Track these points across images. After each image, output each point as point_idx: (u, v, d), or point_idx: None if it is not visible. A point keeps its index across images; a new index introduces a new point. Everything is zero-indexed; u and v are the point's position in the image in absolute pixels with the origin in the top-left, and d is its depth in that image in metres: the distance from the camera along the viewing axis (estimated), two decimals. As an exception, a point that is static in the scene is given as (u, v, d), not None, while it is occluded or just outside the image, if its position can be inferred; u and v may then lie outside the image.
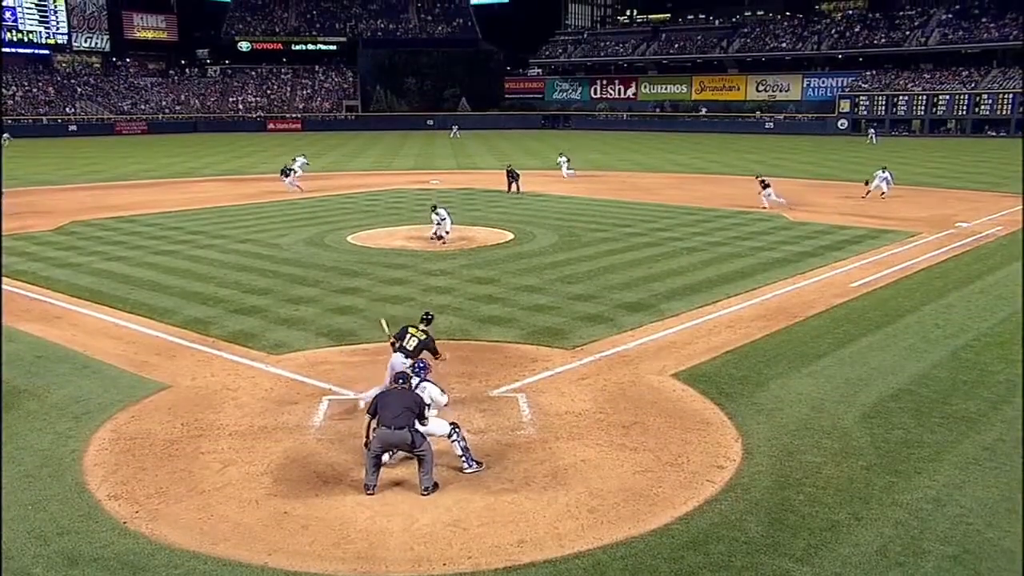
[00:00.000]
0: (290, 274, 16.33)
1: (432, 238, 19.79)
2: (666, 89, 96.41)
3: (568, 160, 39.35)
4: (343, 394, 9.63)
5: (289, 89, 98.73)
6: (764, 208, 25.75)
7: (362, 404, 8.42)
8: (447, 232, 19.61)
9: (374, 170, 44.04)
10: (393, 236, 21.12)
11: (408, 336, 8.70)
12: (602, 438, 8.38)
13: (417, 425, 7.13)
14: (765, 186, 26.72)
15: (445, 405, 8.08)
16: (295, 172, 31.47)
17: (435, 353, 8.71)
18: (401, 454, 7.36)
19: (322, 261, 17.75)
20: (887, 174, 28.38)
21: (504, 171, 32.18)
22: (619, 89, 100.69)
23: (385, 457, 7.23)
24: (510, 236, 21.07)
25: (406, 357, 8.45)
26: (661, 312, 13.48)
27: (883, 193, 27.82)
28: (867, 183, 29.05)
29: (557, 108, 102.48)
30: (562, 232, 21.78)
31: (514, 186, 31.43)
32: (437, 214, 19.73)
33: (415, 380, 7.88)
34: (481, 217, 24.23)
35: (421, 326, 8.93)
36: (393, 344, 8.75)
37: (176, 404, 9.33)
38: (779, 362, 10.79)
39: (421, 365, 8.20)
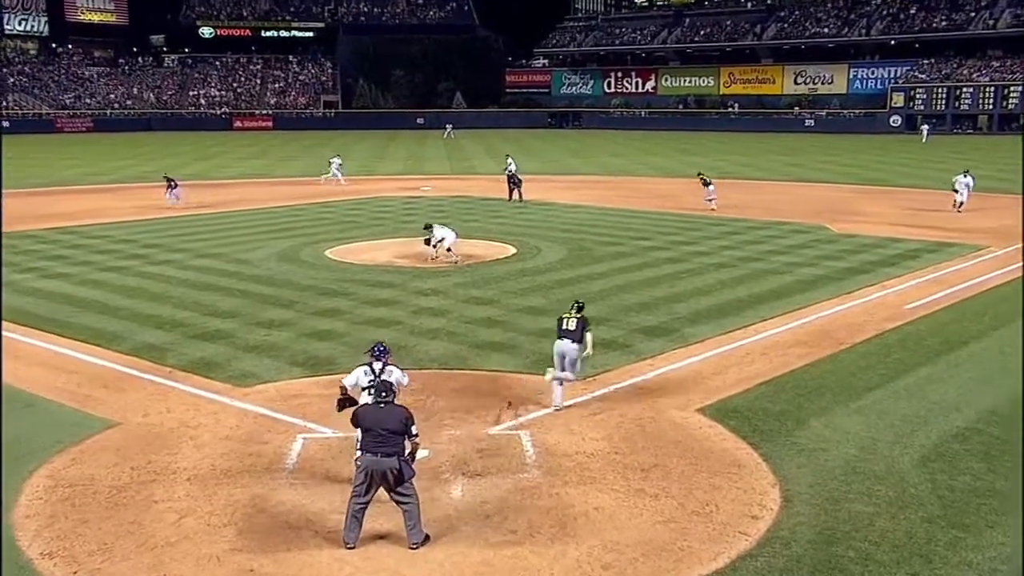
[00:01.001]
0: (260, 294, 16.46)
1: (434, 257, 19.55)
2: (690, 82, 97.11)
3: (515, 166, 41.33)
4: (320, 432, 9.59)
5: (259, 82, 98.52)
6: (713, 211, 27.92)
7: (346, 383, 8.38)
8: (449, 251, 19.68)
9: (356, 175, 44.51)
10: (378, 250, 21.31)
11: (564, 320, 10.47)
12: (618, 483, 8.25)
13: (406, 445, 7.08)
14: (705, 184, 28.73)
15: (407, 385, 8.60)
16: (336, 176, 36.02)
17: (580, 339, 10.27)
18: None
19: (297, 279, 17.89)
20: (969, 179, 26.91)
21: (504, 176, 32.49)
22: (636, 82, 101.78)
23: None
24: (512, 250, 21.24)
25: (573, 341, 10.28)
26: (685, 337, 13.54)
27: (961, 203, 26.30)
28: (954, 190, 27.09)
29: (565, 104, 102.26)
30: (571, 246, 21.94)
31: (516, 193, 31.79)
32: (433, 234, 19.58)
33: (378, 364, 8.25)
34: (479, 229, 24.42)
35: (573, 311, 10.67)
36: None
37: (125, 445, 9.16)
38: (822, 395, 10.78)
39: (382, 348, 8.44)
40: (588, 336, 10.40)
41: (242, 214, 28.59)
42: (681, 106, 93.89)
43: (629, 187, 37.39)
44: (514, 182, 31.85)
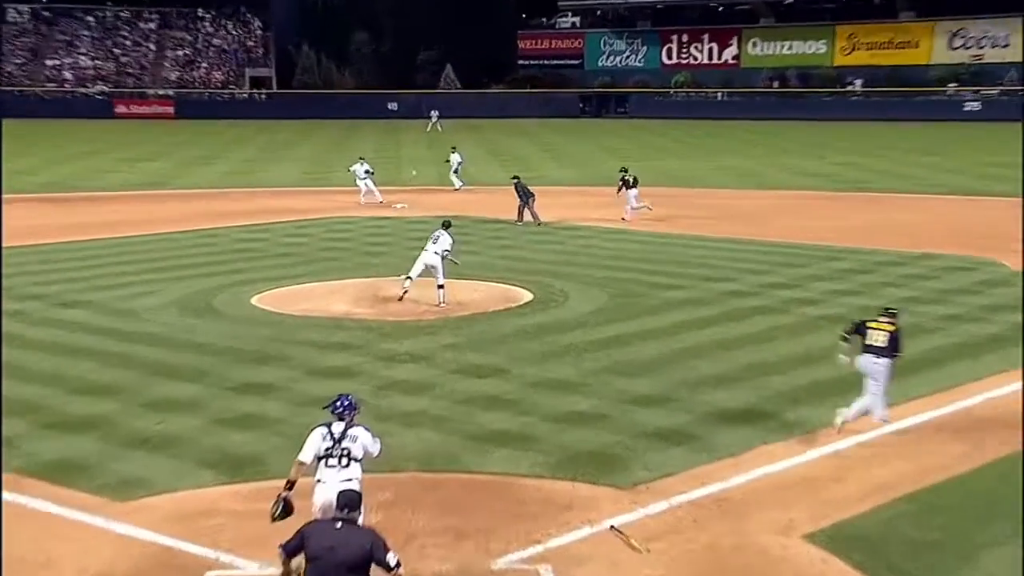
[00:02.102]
0: (151, 361, 16.67)
1: (400, 298, 20.40)
2: (790, 48, 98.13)
3: (460, 161, 42.71)
4: (241, 568, 9.68)
5: (153, 48, 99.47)
6: (624, 220, 32.12)
7: (304, 457, 9.09)
8: (440, 288, 20.30)
9: (299, 186, 44.96)
10: (330, 296, 21.58)
11: (869, 332, 13.33)
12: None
13: None
14: (628, 185, 32.38)
15: (378, 455, 9.32)
16: (366, 184, 37.66)
17: (895, 351, 13.40)
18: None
19: (208, 338, 18.13)
20: None
21: (512, 187, 32.99)
22: (710, 50, 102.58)
23: None
24: (526, 296, 21.50)
25: (879, 356, 13.24)
26: (784, 426, 13.61)
27: None
28: None
29: (605, 83, 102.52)
30: (613, 289, 22.25)
31: (527, 212, 32.46)
32: (441, 245, 20.57)
33: (340, 425, 8.97)
34: (479, 264, 24.69)
35: (883, 319, 13.46)
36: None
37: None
38: (997, 518, 10.77)
39: (347, 403, 9.19)
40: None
41: (126, 243, 28.97)
42: (776, 84, 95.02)
43: (699, 204, 37.83)
44: (524, 194, 32.28)
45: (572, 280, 23.17)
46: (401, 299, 20.34)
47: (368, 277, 23.46)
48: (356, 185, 37.86)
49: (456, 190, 41.25)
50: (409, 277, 20.48)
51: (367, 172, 37.70)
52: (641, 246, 28.44)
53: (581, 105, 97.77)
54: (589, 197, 38.03)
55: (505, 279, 23.23)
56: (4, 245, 26.94)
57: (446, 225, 21.18)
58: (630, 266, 25.08)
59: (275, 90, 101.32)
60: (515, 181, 32.85)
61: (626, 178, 33.04)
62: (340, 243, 29.24)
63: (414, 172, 44.64)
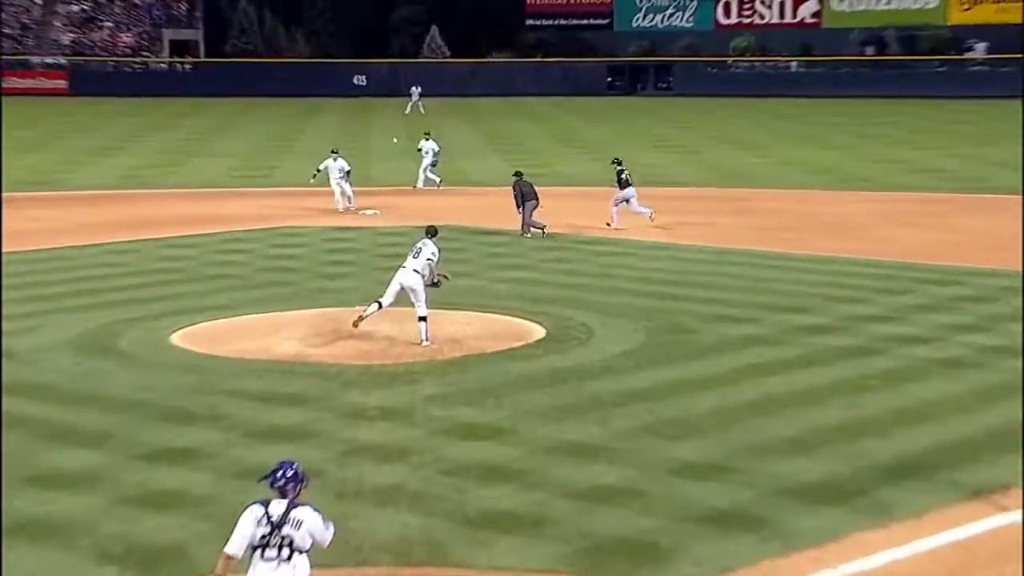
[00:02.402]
0: (39, 419, 16.64)
1: (358, 320, 20.46)
2: (889, 3, 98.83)
3: (436, 151, 43.25)
4: None
5: (39, 3, 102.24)
6: (610, 224, 33.58)
7: (231, 550, 9.07)
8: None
9: (233, 186, 45.01)
10: (276, 333, 21.68)
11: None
12: None
13: None
14: (624, 184, 33.74)
15: (328, 546, 9.16)
16: (340, 186, 37.77)
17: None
18: None
19: (113, 389, 18.16)
20: None
21: (512, 186, 33.02)
22: (780, 5, 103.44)
23: None
24: (536, 332, 21.62)
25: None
26: (883, 508, 13.54)
27: None
28: None
29: (642, 50, 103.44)
30: (651, 323, 22.37)
31: (533, 218, 32.68)
32: (414, 270, 20.53)
33: (281, 504, 8.92)
34: (475, 289, 24.73)
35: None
36: None
37: None
38: None
39: (291, 473, 9.06)
40: None
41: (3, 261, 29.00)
42: (871, 50, 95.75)
43: (767, 209, 38.01)
44: (524, 195, 32.24)
45: (597, 311, 23.17)
46: (356, 325, 20.42)
47: (326, 307, 23.46)
48: (331, 187, 37.64)
49: (429, 188, 41.86)
50: (378, 303, 20.51)
51: (343, 172, 37.61)
52: (689, 265, 28.50)
53: (610, 79, 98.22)
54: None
55: (509, 309, 23.26)
56: None
57: (431, 232, 21.26)
58: (675, 292, 25.10)
59: (203, 58, 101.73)
60: (516, 179, 32.93)
61: (623, 173, 33.75)
62: (289, 262, 29.33)
63: (395, 139, 44.73)
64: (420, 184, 42.51)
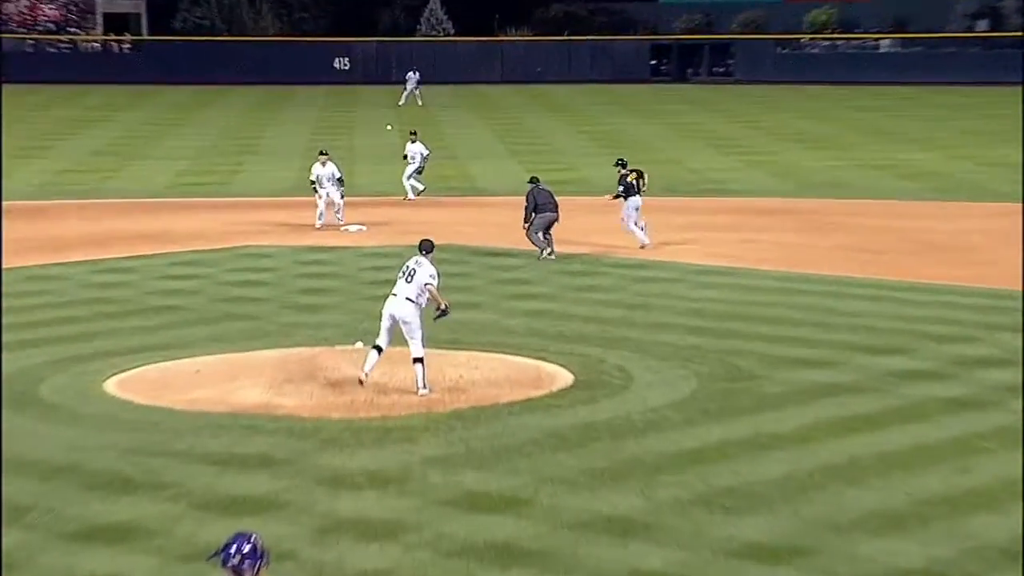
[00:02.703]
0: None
1: (364, 376, 20.34)
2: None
3: (424, 155, 43.73)
4: None
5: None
6: (644, 246, 33.65)
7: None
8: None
9: (182, 195, 45.00)
10: (237, 378, 21.61)
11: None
12: None
13: None
14: (628, 192, 33.78)
15: None
16: (328, 195, 37.71)
17: None
18: None
19: (32, 450, 17.99)
20: None
21: (527, 195, 32.80)
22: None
23: None
24: (562, 378, 21.49)
25: None
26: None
27: None
28: None
29: (693, 24, 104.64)
30: (704, 366, 22.26)
31: (536, 235, 32.46)
32: (406, 298, 20.27)
33: None
34: (485, 324, 24.81)
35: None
36: None
37: None
38: None
39: (248, 548, 9.13)
40: None
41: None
42: (983, 24, 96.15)
43: (854, 225, 37.85)
44: (538, 206, 32.00)
45: (637, 351, 23.04)
46: (362, 383, 20.19)
47: (299, 346, 23.39)
48: (321, 195, 37.33)
49: (411, 199, 42.29)
50: (376, 347, 20.34)
51: (334, 179, 37.58)
52: (753, 295, 28.32)
53: (654, 61, 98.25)
54: (667, 214, 37.90)
55: (526, 349, 23.14)
56: None
57: (425, 248, 20.90)
58: (734, 328, 24.95)
59: (145, 36, 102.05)
60: (532, 186, 32.78)
61: (628, 177, 33.60)
62: (253, 290, 29.27)
63: (389, 127, 44.80)
64: (411, 193, 42.57)
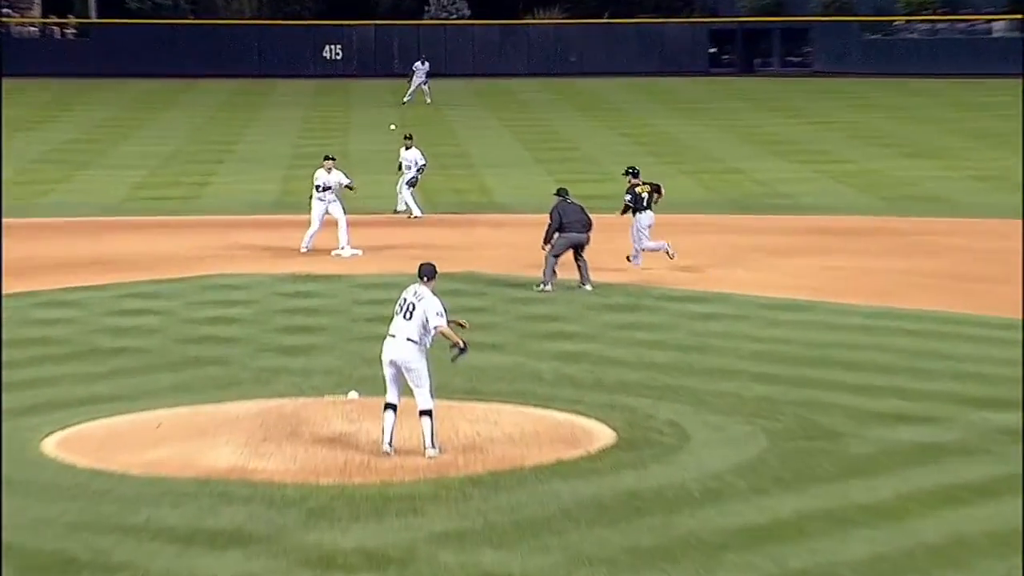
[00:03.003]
0: None
1: (391, 443, 20.06)
2: None
3: (420, 165, 44.63)
4: None
5: None
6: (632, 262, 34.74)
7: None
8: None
9: (141, 213, 45.14)
10: (205, 436, 21.67)
11: None
12: None
13: None
14: (637, 205, 34.85)
15: None
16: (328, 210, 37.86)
17: None
18: None
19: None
20: None
21: (550, 211, 32.82)
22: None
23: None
24: (600, 435, 21.49)
25: None
26: None
27: None
28: None
29: (761, 7, 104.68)
30: (777, 421, 22.25)
31: (554, 259, 32.72)
32: (408, 339, 20.12)
33: None
34: (507, 368, 24.95)
35: None
36: None
37: None
38: None
39: None
40: None
41: None
42: None
43: (954, 247, 37.88)
44: (566, 224, 32.02)
45: (692, 403, 23.06)
46: (388, 455, 19.87)
47: (280, 397, 23.47)
48: (319, 211, 37.77)
49: (408, 215, 42.91)
50: (391, 407, 20.11)
51: (340, 188, 38.13)
52: (834, 334, 28.37)
53: (713, 50, 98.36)
54: (728, 235, 38.10)
55: (558, 400, 23.15)
56: None
57: (425, 274, 20.67)
58: (811, 375, 25.01)
59: (95, 19, 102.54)
60: (558, 199, 32.77)
61: (637, 187, 34.15)
62: (225, 328, 29.44)
63: (392, 126, 44.98)
64: (416, 210, 42.84)
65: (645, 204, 33.87)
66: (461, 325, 20.70)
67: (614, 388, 24.12)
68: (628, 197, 34.16)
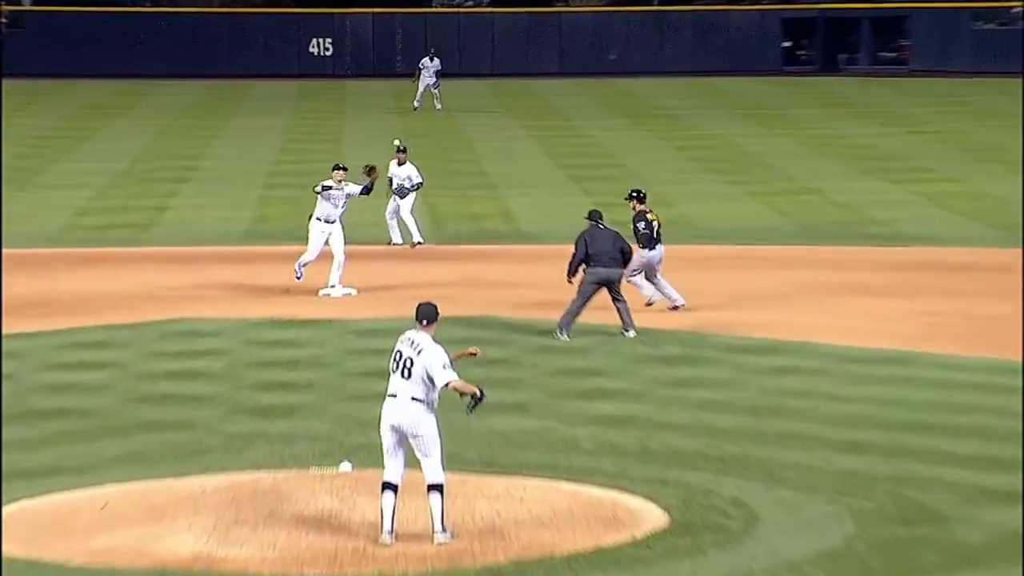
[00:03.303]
0: None
1: (392, 530, 19.83)
2: None
3: (415, 184, 45.69)
4: None
5: None
6: (651, 303, 35.93)
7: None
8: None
9: (87, 244, 45.61)
10: (164, 518, 21.58)
11: None
12: None
13: None
14: (651, 240, 35.24)
15: None
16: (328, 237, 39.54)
17: None
18: None
19: None
20: None
21: (576, 239, 33.00)
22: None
23: None
24: (650, 516, 21.49)
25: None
26: None
27: None
28: None
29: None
30: (866, 500, 22.23)
31: (619, 302, 33.21)
32: (412, 398, 19.91)
33: None
34: (535, 434, 25.10)
35: None
36: None
37: None
38: None
39: None
40: None
41: None
42: None
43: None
44: (577, 256, 32.21)
45: (762, 477, 23.12)
46: (388, 544, 19.88)
47: (256, 469, 23.58)
48: (319, 235, 38.10)
49: (418, 242, 43.38)
50: (389, 485, 20.11)
51: (347, 198, 38.70)
52: (936, 393, 28.46)
53: (788, 44, 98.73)
54: (804, 270, 38.17)
55: (598, 474, 23.22)
56: None
57: (424, 317, 20.45)
58: (911, 443, 25.02)
59: (28, 6, 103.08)
60: (590, 223, 32.85)
61: (649, 216, 34.72)
62: (189, 384, 29.55)
63: (397, 141, 45.32)
64: (417, 235, 43.06)
65: (658, 238, 34.38)
66: (472, 354, 20.64)
67: (666, 459, 24.20)
68: (642, 225, 34.57)
